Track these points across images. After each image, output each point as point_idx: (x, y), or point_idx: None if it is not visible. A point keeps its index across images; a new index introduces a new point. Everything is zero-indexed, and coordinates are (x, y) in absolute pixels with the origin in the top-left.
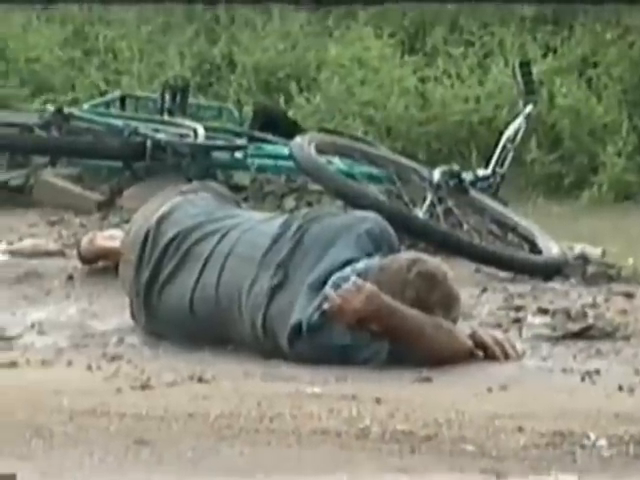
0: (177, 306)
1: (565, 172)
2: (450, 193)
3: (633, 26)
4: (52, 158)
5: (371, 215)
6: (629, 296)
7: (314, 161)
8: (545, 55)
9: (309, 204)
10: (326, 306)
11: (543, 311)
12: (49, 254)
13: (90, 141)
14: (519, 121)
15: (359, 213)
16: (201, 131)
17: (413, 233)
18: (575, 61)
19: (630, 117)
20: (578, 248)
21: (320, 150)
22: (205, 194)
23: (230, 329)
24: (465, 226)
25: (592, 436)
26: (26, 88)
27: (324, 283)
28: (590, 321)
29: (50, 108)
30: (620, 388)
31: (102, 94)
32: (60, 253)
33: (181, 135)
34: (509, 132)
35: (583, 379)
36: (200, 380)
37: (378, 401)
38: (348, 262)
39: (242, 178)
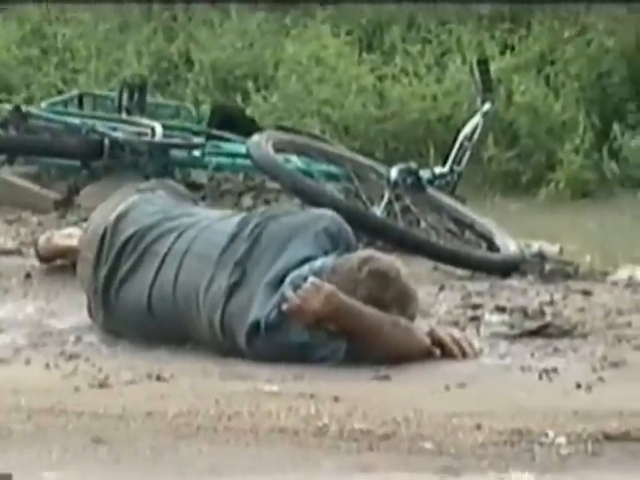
0: (135, 304)
1: (522, 169)
2: (407, 191)
3: (590, 24)
4: (10, 156)
5: (328, 213)
6: (586, 294)
7: (272, 159)
8: (503, 53)
9: (267, 202)
10: (285, 307)
11: (501, 309)
12: (7, 253)
13: (48, 139)
14: (477, 119)
15: (316, 211)
16: (159, 129)
17: (371, 231)
18: (533, 59)
19: (588, 114)
20: (536, 246)
21: (278, 148)
22: (162, 192)
23: (188, 328)
24: (423, 224)
25: (550, 434)
26: None
27: (282, 281)
28: (548, 319)
29: (8, 107)
30: (578, 386)
31: (60, 93)
32: (18, 252)
33: (139, 133)
34: (467, 130)
35: (541, 377)
36: (158, 378)
37: (336, 399)
38: (305, 260)
39: (200, 176)
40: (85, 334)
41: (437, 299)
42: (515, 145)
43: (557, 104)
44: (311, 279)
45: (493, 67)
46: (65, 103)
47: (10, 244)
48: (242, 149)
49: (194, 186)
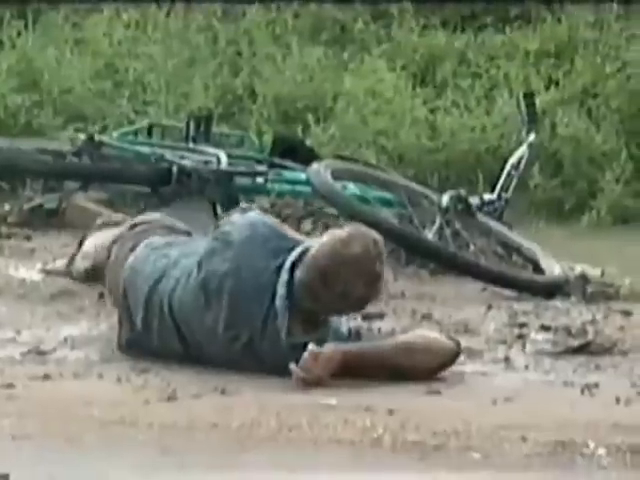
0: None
1: (566, 197)
2: (458, 216)
3: (630, 60)
4: (84, 183)
5: (251, 219)
6: (626, 314)
7: (330, 186)
8: (548, 87)
9: (326, 227)
10: (294, 381)
11: (545, 328)
12: None
13: (119, 167)
14: (523, 149)
15: (239, 225)
16: (224, 158)
17: (423, 254)
18: (576, 93)
19: (627, 145)
20: (578, 268)
21: (336, 176)
22: (158, 230)
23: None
24: (472, 247)
25: (592, 445)
26: (60, 117)
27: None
28: (590, 337)
29: (82, 136)
30: (617, 400)
31: (131, 123)
32: None
33: (205, 162)
34: (513, 159)
35: (583, 392)
36: (223, 392)
37: (390, 412)
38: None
39: (262, 202)
40: None
41: (485, 318)
42: (559, 174)
43: (598, 135)
44: (309, 348)
45: (538, 100)
46: (135, 133)
47: None
48: (302, 177)
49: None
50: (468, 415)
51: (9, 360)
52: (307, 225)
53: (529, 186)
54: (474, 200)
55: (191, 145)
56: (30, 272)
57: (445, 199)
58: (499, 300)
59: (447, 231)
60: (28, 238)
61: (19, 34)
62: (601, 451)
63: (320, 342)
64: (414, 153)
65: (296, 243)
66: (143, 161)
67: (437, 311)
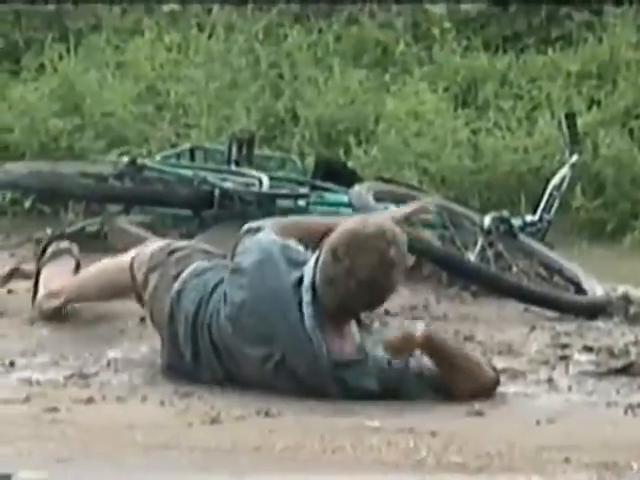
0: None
1: (608, 218)
2: (500, 238)
3: None
4: (126, 206)
5: (259, 243)
6: None
7: (372, 208)
8: (589, 108)
9: None
10: (384, 349)
11: (588, 349)
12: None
13: (161, 190)
14: (565, 170)
15: (249, 251)
16: (266, 180)
17: (465, 276)
18: (618, 113)
19: None
20: (621, 289)
21: (378, 198)
22: (198, 254)
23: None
24: (514, 269)
25: (635, 466)
26: (101, 141)
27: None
28: (632, 358)
29: (124, 160)
30: None
31: (173, 146)
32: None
33: (247, 184)
34: (555, 180)
35: (626, 412)
36: (266, 415)
37: (433, 434)
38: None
39: None
40: None
41: (528, 339)
42: (601, 195)
43: None
44: (405, 326)
45: (580, 121)
46: (178, 156)
47: None
48: (344, 199)
49: None
50: (511, 436)
51: (52, 384)
52: None
53: (571, 207)
54: (516, 221)
55: (233, 168)
56: None
57: (487, 220)
58: (541, 321)
59: (489, 252)
60: None
61: (61, 57)
62: None
63: (360, 364)
64: (456, 175)
65: (307, 255)
66: (185, 184)
67: (480, 332)
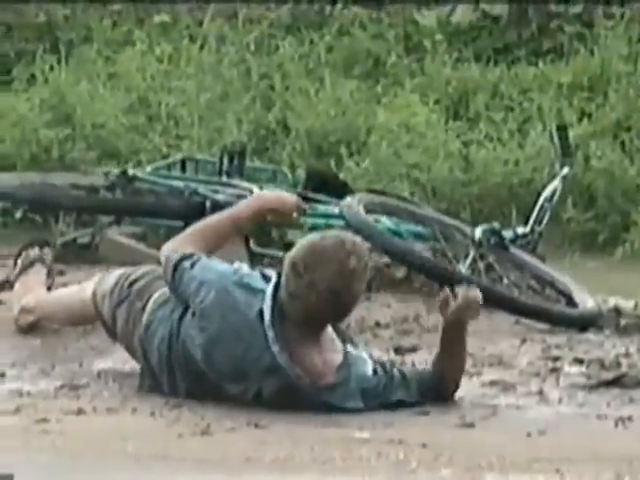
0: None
1: (599, 230)
2: (491, 250)
3: None
4: (117, 217)
5: (212, 278)
6: None
7: (363, 220)
8: (581, 120)
9: None
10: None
11: (579, 361)
12: None
13: (153, 201)
14: (556, 182)
15: (205, 289)
16: (257, 192)
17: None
18: (609, 125)
19: None
20: (612, 301)
21: (369, 210)
22: (156, 282)
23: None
24: (505, 281)
25: (626, 479)
26: (93, 152)
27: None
28: (623, 370)
29: (115, 171)
30: None
31: (164, 158)
32: None
33: (238, 196)
34: (547, 192)
35: (617, 425)
36: (257, 426)
37: (424, 445)
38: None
39: (296, 236)
40: None
41: (519, 351)
42: (592, 207)
43: (632, 168)
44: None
45: (572, 133)
46: (169, 167)
47: None
48: (335, 211)
49: (290, 245)
50: (502, 448)
51: (43, 395)
52: None
53: (562, 219)
54: (507, 233)
55: (224, 179)
56: None
57: (478, 232)
58: (532, 333)
59: (480, 264)
60: (61, 273)
61: (52, 69)
62: None
63: (343, 385)
64: (447, 186)
65: (267, 279)
66: (176, 195)
67: (470, 344)
